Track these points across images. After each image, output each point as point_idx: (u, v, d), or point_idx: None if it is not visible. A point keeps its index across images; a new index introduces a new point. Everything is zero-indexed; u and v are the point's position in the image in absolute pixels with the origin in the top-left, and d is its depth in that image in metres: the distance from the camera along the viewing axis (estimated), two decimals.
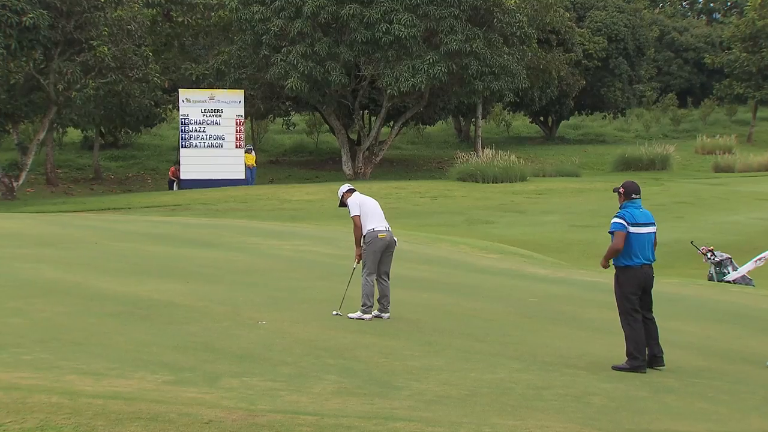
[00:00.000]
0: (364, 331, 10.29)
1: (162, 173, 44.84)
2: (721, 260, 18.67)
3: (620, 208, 9.33)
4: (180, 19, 43.32)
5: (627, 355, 9.18)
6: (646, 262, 9.24)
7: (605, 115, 64.24)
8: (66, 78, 35.44)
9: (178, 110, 39.97)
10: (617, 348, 10.31)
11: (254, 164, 40.07)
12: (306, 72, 38.32)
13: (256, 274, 14.18)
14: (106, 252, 16.22)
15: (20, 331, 9.15)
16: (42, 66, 36.98)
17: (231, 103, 38.85)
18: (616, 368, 9.11)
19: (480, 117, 49.88)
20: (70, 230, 19.95)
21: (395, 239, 11.12)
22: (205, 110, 38.52)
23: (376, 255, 10.92)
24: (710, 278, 18.65)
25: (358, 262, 11.05)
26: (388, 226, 11.08)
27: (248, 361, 8.45)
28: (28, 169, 37.37)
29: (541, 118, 60.67)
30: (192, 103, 38.52)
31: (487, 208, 29.74)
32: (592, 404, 7.72)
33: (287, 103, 47.80)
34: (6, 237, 17.91)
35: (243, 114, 39.56)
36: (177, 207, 30.83)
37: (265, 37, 39.40)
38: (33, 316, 9.98)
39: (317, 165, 49.99)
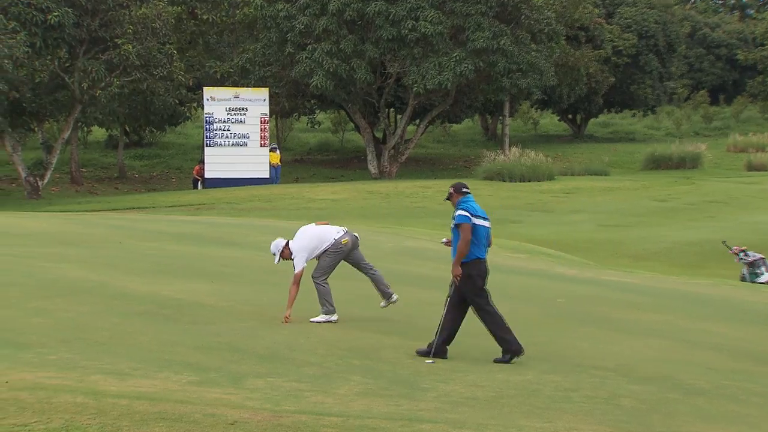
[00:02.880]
0: (389, 332, 10.29)
1: (186, 172, 45.06)
2: (754, 260, 18.51)
3: (457, 206, 9.29)
4: (205, 17, 43.49)
5: (505, 350, 9.15)
6: (485, 256, 9.33)
7: (635, 113, 63.83)
8: (91, 76, 35.70)
9: (203, 108, 40.14)
10: (647, 350, 10.25)
11: (279, 163, 40.17)
12: (331, 69, 38.37)
13: (281, 274, 14.21)
14: (130, 251, 16.32)
15: (44, 330, 9.23)
16: (67, 64, 37.27)
17: (256, 102, 38.97)
18: (498, 361, 9.11)
19: (507, 115, 49.74)
20: (94, 229, 20.10)
21: (355, 234, 10.90)
22: (229, 108, 38.66)
23: (338, 261, 10.63)
24: (743, 279, 18.49)
25: (287, 322, 10.37)
26: (343, 228, 10.80)
27: (273, 362, 8.48)
28: (52, 168, 37.68)
29: (570, 116, 60.39)
30: (216, 101, 38.68)
31: (514, 208, 29.65)
32: (621, 406, 7.68)
33: (312, 101, 47.90)
34: (30, 236, 18.07)
35: (268, 112, 39.67)
36: (201, 206, 30.97)
37: (290, 34, 39.50)
38: (57, 315, 10.05)
39: (342, 164, 50.05)
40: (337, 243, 10.55)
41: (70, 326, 9.52)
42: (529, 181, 37.26)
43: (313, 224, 10.97)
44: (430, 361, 8.98)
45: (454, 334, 9.30)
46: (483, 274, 9.26)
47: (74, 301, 10.91)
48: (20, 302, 10.65)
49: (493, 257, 18.45)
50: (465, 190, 9.41)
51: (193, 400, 6.73)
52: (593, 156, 48.38)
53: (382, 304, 10.80)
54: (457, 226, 9.19)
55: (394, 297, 10.83)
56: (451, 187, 9.52)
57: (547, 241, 22.89)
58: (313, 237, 10.66)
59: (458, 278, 9.16)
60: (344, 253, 10.60)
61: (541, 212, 28.88)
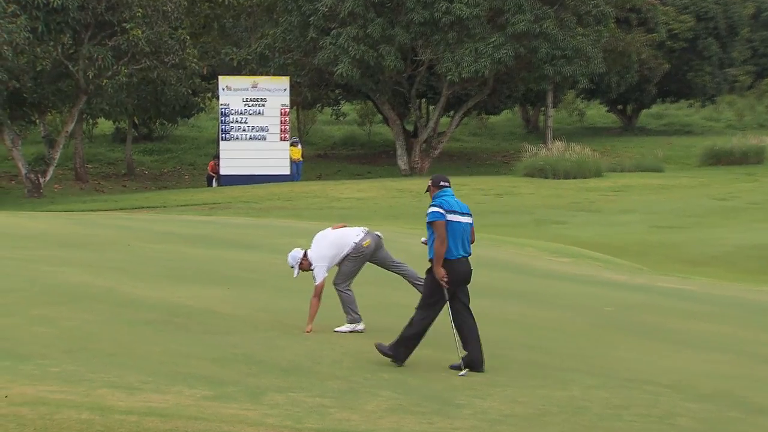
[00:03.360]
0: (421, 343, 10.30)
1: (200, 168, 45.29)
2: None
3: (432, 201, 9.35)
4: None
5: (395, 352, 9.18)
6: (464, 254, 9.27)
7: (692, 103, 63.39)
8: (97, 64, 35.94)
9: (218, 99, 40.32)
10: (706, 364, 10.19)
11: (300, 158, 40.27)
12: (357, 56, 38.41)
13: (303, 280, 14.24)
14: (139, 255, 16.42)
15: (46, 340, 9.31)
16: (71, 51, 37.53)
17: (275, 91, 39.09)
18: (379, 348, 9.18)
19: (550, 105, 49.57)
20: (100, 230, 20.24)
21: (377, 233, 10.90)
22: (247, 99, 38.81)
23: (361, 265, 10.63)
24: None
25: (309, 330, 10.47)
26: (363, 228, 10.78)
27: (294, 375, 8.50)
28: (55, 164, 37.97)
29: (620, 107, 60.08)
30: (233, 91, 38.84)
31: (557, 207, 29.53)
32: (677, 426, 7.64)
33: (337, 91, 47.97)
34: (31, 238, 18.24)
35: (288, 103, 39.77)
36: (216, 205, 31.12)
37: (312, 18, 39.59)
38: (60, 324, 10.14)
39: (370, 159, 50.07)
40: (357, 247, 10.52)
41: (75, 336, 9.59)
42: (574, 178, 37.09)
43: (330, 229, 10.94)
44: (463, 373, 8.99)
45: (475, 336, 9.25)
46: (455, 276, 9.20)
47: (79, 309, 11.00)
48: (21, 310, 10.75)
49: (533, 261, 18.55)
50: (443, 183, 9.43)
51: (207, 416, 6.77)
52: (645, 150, 48.06)
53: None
54: (430, 224, 9.21)
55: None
56: (430, 179, 9.57)
57: (593, 243, 22.78)
58: (332, 244, 10.65)
59: (444, 280, 9.14)
60: (367, 256, 10.59)
61: (587, 212, 28.75)
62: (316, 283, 10.55)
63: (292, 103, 42.36)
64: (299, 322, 10.82)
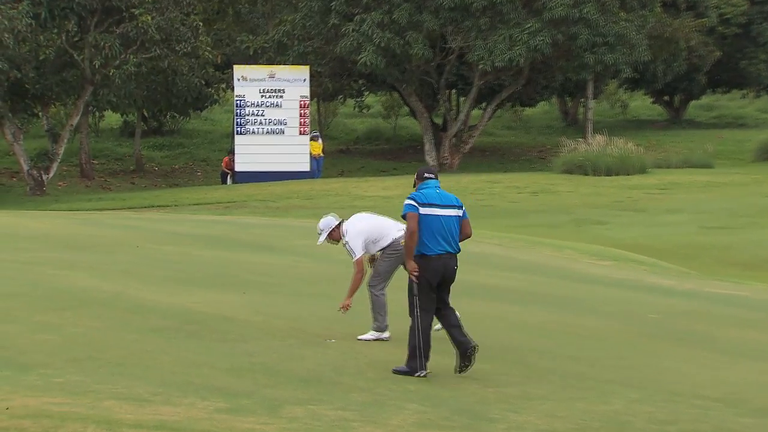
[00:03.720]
0: (450, 352, 10.29)
1: (214, 164, 45.44)
2: None
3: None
4: None
5: (408, 356, 9.27)
6: (446, 250, 9.22)
7: (745, 94, 62.97)
8: (103, 53, 36.10)
9: (233, 90, 40.43)
10: (761, 375, 10.13)
11: (321, 154, 40.33)
12: (382, 44, 38.42)
13: (324, 284, 14.28)
14: (149, 257, 16.49)
15: (50, 348, 9.36)
16: (76, 39, 37.77)
17: (294, 82, 39.17)
18: (396, 371, 9.18)
19: (590, 97, 49.41)
20: (107, 231, 20.34)
21: None
22: (264, 90, 38.91)
23: (396, 266, 10.54)
24: None
25: (346, 310, 10.58)
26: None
27: (315, 386, 8.52)
28: (59, 160, 38.20)
29: (666, 98, 59.78)
30: (249, 81, 38.94)
31: (598, 206, 29.44)
32: None
33: (360, 82, 47.99)
34: (34, 239, 18.35)
35: (308, 94, 39.84)
36: (231, 204, 31.22)
37: (334, 2, 39.64)
38: (64, 331, 10.20)
39: (395, 155, 50.07)
40: (395, 244, 10.45)
41: (80, 344, 9.65)
42: (617, 174, 36.95)
43: (374, 213, 10.96)
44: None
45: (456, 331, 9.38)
46: (431, 273, 9.20)
47: (85, 315, 11.05)
48: (23, 316, 10.82)
49: (572, 264, 18.50)
50: (427, 175, 9.48)
51: (221, 430, 6.79)
52: (694, 145, 47.82)
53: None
54: (403, 217, 9.31)
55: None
56: (416, 172, 9.68)
57: (638, 245, 22.69)
58: (374, 226, 10.64)
59: (414, 274, 9.21)
60: (401, 258, 10.48)
61: (630, 212, 28.64)
62: (355, 259, 10.50)
63: (312, 94, 42.43)
64: (320, 330, 10.83)
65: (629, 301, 14.69)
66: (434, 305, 9.37)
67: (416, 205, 9.23)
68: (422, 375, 9.20)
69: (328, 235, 10.81)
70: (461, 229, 9.43)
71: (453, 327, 9.41)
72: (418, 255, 9.24)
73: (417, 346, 9.23)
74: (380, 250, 10.57)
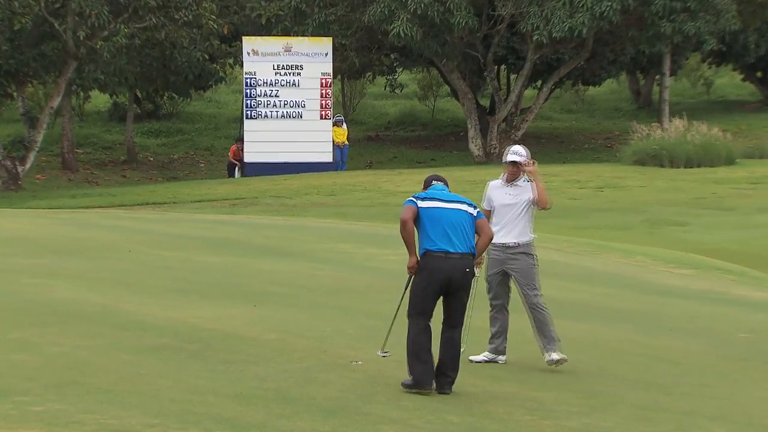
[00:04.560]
0: (499, 378, 10.29)
1: (219, 154, 45.59)
2: None
3: None
4: None
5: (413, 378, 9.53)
6: (452, 249, 9.44)
7: None
8: (89, 21, 36.20)
9: (242, 66, 40.54)
10: None
11: (346, 142, 40.34)
12: (419, 11, 38.40)
13: (349, 295, 14.29)
14: (143, 263, 16.56)
15: (28, 372, 9.42)
16: (57, 5, 37.88)
17: (314, 56, 39.22)
18: (405, 385, 9.45)
19: (667, 73, 49.17)
20: (94, 233, 20.44)
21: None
22: (278, 66, 38.99)
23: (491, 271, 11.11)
24: None
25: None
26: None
27: (338, 417, 8.54)
28: (37, 149, 38.34)
29: (759, 74, 59.39)
30: (261, 56, 39.04)
31: (676, 204, 29.30)
32: None
33: (392, 56, 47.95)
34: (8, 242, 18.47)
35: (331, 71, 39.88)
36: (239, 201, 31.29)
37: None
38: (45, 351, 10.26)
39: (434, 143, 50.03)
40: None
41: (64, 366, 9.70)
42: (699, 166, 36.74)
43: None
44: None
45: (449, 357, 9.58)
46: (437, 273, 9.44)
47: (69, 332, 11.12)
48: None
49: (644, 273, 18.42)
50: (434, 181, 9.96)
51: None
52: None
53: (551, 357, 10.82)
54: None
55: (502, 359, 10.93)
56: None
57: (723, 251, 22.58)
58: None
59: (411, 271, 9.57)
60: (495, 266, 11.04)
61: (715, 210, 28.48)
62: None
63: (336, 71, 42.46)
64: (344, 350, 10.85)
65: (713, 317, 14.61)
66: (429, 313, 9.56)
67: (414, 199, 9.64)
68: (429, 390, 9.41)
69: (518, 165, 10.98)
70: (478, 230, 9.73)
71: (445, 356, 9.60)
72: (422, 252, 9.54)
73: (411, 355, 9.48)
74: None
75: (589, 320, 13.55)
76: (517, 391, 9.77)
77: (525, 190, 11.05)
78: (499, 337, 10.92)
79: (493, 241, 10.47)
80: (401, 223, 9.55)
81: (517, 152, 10.98)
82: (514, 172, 11.03)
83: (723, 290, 17.33)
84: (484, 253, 10.33)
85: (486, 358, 10.88)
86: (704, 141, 38.00)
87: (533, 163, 11.06)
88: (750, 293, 17.20)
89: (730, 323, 14.10)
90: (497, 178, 11.28)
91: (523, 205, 11.02)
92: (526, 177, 11.04)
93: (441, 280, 9.47)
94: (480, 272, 10.48)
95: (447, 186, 9.97)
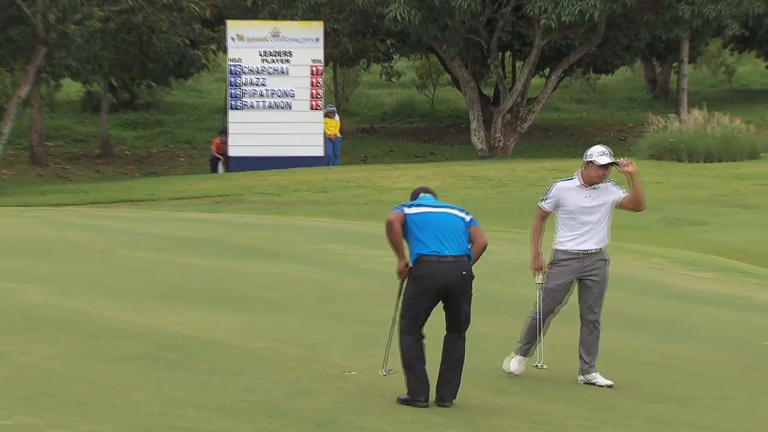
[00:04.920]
0: (503, 389, 10.29)
1: (201, 148, 45.55)
2: None
3: None
4: None
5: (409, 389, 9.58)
6: (446, 251, 9.44)
7: None
8: (60, 4, 36.19)
9: (226, 53, 40.52)
10: None
11: (338, 134, 40.33)
12: None
13: (342, 300, 14.29)
14: (120, 266, 16.55)
15: None
16: None
17: (305, 42, 39.20)
18: (400, 400, 9.49)
19: (686, 60, 49.18)
20: (66, 233, 20.41)
21: None
22: (265, 53, 38.95)
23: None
24: None
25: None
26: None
27: (330, 430, 8.54)
28: (5, 142, 38.31)
29: None
30: (246, 41, 39.00)
31: (695, 201, 29.32)
32: None
33: (388, 42, 47.93)
34: None
35: (322, 58, 39.85)
36: (223, 198, 31.28)
37: None
38: (12, 360, 10.25)
39: (433, 135, 50.02)
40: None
41: (33, 376, 9.69)
42: (720, 161, 36.76)
43: None
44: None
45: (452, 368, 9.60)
46: (431, 280, 9.43)
47: (38, 340, 11.11)
48: None
49: (660, 276, 18.41)
50: (423, 194, 9.98)
51: None
52: None
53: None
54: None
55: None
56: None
57: (746, 252, 22.59)
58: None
59: (402, 275, 9.63)
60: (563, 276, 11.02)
61: (737, 208, 28.50)
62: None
63: (327, 57, 42.44)
64: (337, 359, 10.85)
65: (736, 324, 14.61)
66: (422, 324, 9.57)
67: (401, 207, 9.69)
68: (424, 404, 9.41)
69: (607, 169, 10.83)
70: (472, 237, 9.71)
71: (447, 363, 9.60)
72: (415, 257, 9.53)
73: (405, 368, 9.51)
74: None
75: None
76: (522, 404, 9.77)
77: (607, 192, 10.85)
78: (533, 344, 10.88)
79: (566, 248, 10.59)
80: (387, 226, 9.55)
81: (607, 153, 10.79)
82: (602, 175, 10.79)
83: (746, 295, 17.33)
84: (545, 260, 10.48)
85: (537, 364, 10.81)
86: (725, 133, 38.02)
87: (630, 162, 10.84)
88: None
89: (753, 331, 14.10)
90: (567, 179, 10.99)
91: (607, 208, 10.87)
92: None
93: (436, 287, 9.46)
94: (541, 279, 10.60)
95: (436, 198, 10.03)
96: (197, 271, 16.45)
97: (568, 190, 10.83)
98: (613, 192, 10.87)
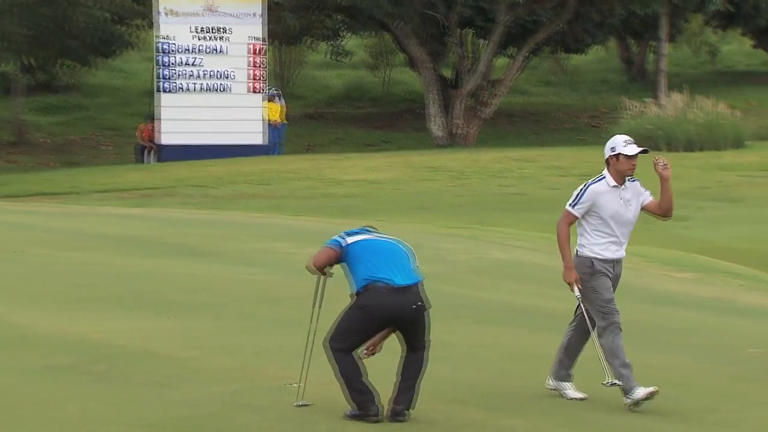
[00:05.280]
0: (464, 401, 10.32)
1: (128, 135, 45.29)
2: None
3: None
4: None
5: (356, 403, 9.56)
6: (399, 280, 9.45)
7: None
8: None
9: (155, 29, 40.33)
10: None
11: (282, 120, 40.26)
12: None
13: (286, 304, 14.26)
14: (36, 266, 16.46)
15: None
16: None
17: (243, 18, 39.08)
18: (349, 416, 9.54)
19: (665, 39, 49.39)
20: None
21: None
22: (199, 29, 38.79)
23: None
24: None
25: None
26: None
27: None
28: None
29: None
30: (178, 16, 38.82)
31: (676, 195, 28.86)
32: None
33: (337, 18, 47.86)
34: None
35: (263, 36, 39.73)
36: (153, 191, 31.14)
37: None
38: None
39: (387, 122, 49.99)
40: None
41: None
42: (702, 149, 36.95)
43: None
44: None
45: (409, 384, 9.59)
46: (382, 311, 9.41)
47: None
48: None
49: (638, 277, 18.47)
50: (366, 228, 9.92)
51: None
52: None
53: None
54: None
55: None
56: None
57: (731, 250, 22.73)
58: None
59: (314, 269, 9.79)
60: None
61: (721, 202, 28.68)
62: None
63: (270, 35, 42.31)
64: (278, 370, 10.84)
65: (719, 329, 14.69)
66: (356, 347, 9.56)
67: (339, 239, 9.67)
68: (376, 418, 9.41)
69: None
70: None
71: (404, 376, 9.58)
72: (363, 285, 9.47)
73: (345, 387, 9.51)
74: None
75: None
76: (485, 418, 9.78)
77: (636, 191, 10.82)
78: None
79: (604, 257, 10.61)
80: (312, 260, 9.75)
81: (631, 141, 10.69)
82: (634, 166, 10.68)
83: (730, 297, 17.44)
84: (575, 271, 10.45)
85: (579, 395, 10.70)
86: (708, 120, 38.22)
87: (668, 165, 10.79)
88: (762, 301, 17.31)
89: (738, 337, 14.17)
90: (596, 179, 10.86)
91: (637, 212, 10.87)
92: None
93: (385, 320, 9.46)
94: (579, 292, 10.53)
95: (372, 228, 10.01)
96: (124, 272, 16.38)
97: (602, 193, 10.71)
98: (640, 192, 10.85)
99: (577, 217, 10.71)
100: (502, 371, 11.14)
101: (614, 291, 10.84)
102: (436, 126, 42.66)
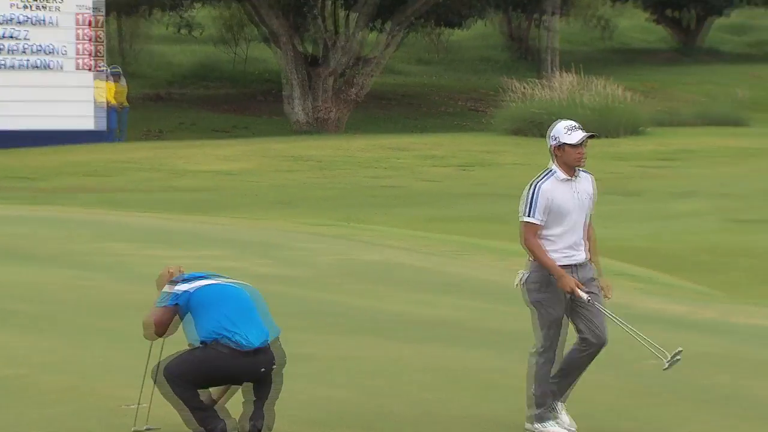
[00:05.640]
0: (328, 424, 10.27)
1: None
2: None
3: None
4: None
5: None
6: (245, 343, 9.37)
7: None
8: None
9: None
10: None
11: (123, 103, 40.02)
12: None
13: (122, 314, 14.12)
14: None
15: None
16: None
17: None
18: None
19: (553, 12, 49.83)
20: None
21: None
22: None
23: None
24: None
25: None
26: None
27: None
28: None
29: (674, 14, 60.57)
30: None
31: None
32: None
33: None
34: None
35: (97, 5, 39.43)
36: None
37: None
38: None
39: (241, 105, 49.96)
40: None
41: None
42: (596, 137, 37.29)
43: None
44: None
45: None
46: (222, 372, 9.39)
47: None
48: None
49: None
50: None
51: None
52: (718, 89, 48.66)
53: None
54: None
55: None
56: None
57: (626, 249, 22.98)
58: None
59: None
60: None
61: (616, 195, 28.98)
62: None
63: (108, 5, 42.02)
64: (113, 389, 10.73)
65: (614, 339, 14.79)
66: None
67: (174, 291, 9.46)
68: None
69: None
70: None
71: (262, 397, 9.55)
72: (206, 339, 9.34)
73: (185, 410, 9.45)
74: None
75: (450, 344, 13.61)
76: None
77: (586, 182, 10.61)
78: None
79: (561, 264, 10.39)
80: (145, 326, 9.50)
81: (575, 126, 10.56)
82: (582, 153, 10.51)
83: (626, 302, 17.57)
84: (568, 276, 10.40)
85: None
86: (602, 103, 38.68)
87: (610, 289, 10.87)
88: (661, 306, 17.53)
89: (635, 347, 14.27)
90: (543, 176, 10.55)
91: (590, 204, 10.61)
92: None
93: (231, 378, 9.44)
94: (585, 295, 10.55)
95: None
96: None
97: (554, 189, 10.44)
98: (590, 182, 10.67)
99: (540, 225, 10.48)
100: (373, 388, 11.10)
101: (600, 301, 10.90)
102: (298, 109, 42.68)
